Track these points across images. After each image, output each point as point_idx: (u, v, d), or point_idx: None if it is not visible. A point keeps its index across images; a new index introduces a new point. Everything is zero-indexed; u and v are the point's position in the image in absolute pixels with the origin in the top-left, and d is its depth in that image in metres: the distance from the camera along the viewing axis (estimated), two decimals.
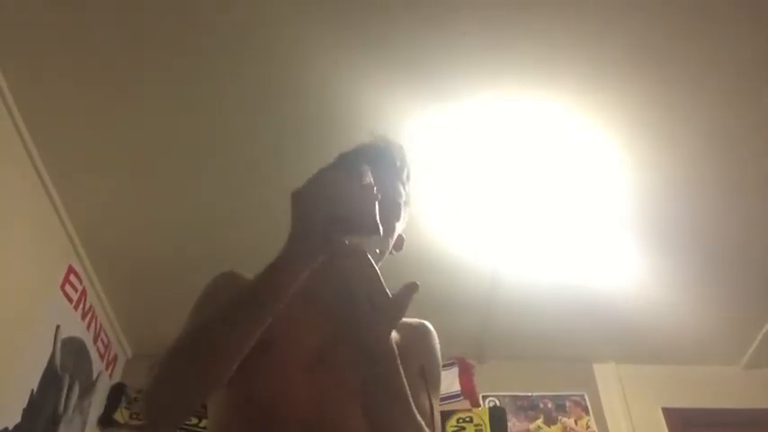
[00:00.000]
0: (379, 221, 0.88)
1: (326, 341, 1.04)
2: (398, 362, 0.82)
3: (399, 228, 1.24)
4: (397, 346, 1.13)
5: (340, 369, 1.01)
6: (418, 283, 0.82)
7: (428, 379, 1.09)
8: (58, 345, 2.74)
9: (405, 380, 0.83)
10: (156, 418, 0.94)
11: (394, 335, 1.17)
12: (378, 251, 0.92)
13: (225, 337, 0.90)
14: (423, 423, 0.87)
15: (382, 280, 0.81)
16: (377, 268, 0.82)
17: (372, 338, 0.79)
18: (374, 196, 0.89)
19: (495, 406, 3.45)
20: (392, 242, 1.22)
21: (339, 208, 0.89)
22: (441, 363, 1.25)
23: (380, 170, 1.18)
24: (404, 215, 1.26)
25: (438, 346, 1.25)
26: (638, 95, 2.33)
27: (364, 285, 0.79)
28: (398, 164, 1.26)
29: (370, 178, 0.92)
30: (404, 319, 1.23)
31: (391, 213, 1.20)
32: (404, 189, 1.25)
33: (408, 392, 0.84)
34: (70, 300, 2.84)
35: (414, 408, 0.85)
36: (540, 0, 2.04)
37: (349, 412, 0.86)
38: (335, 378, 1.00)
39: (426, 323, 1.27)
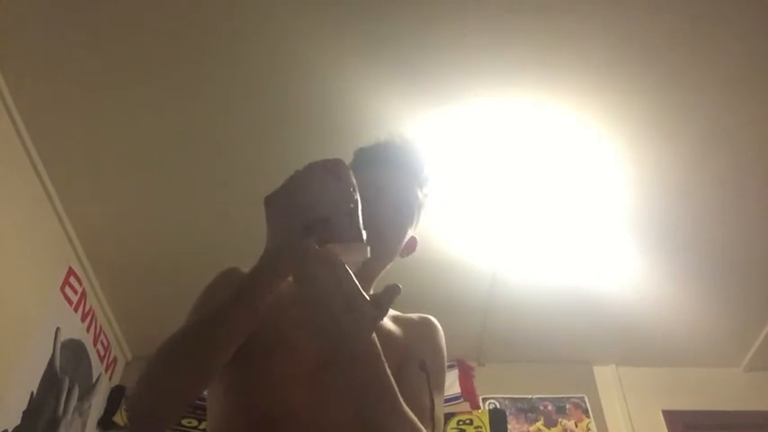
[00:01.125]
0: (361, 226, 0.84)
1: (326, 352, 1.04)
2: (382, 361, 0.81)
3: (411, 231, 1.22)
4: (399, 341, 1.13)
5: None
6: (401, 285, 0.80)
7: (429, 373, 1.08)
8: (58, 347, 2.74)
9: (391, 378, 0.82)
10: (139, 423, 0.96)
11: (396, 330, 1.16)
12: (364, 258, 0.85)
13: (198, 353, 0.90)
14: (414, 419, 0.86)
15: (358, 284, 0.79)
16: (352, 275, 0.79)
17: (351, 341, 0.79)
18: (353, 196, 0.84)
19: (495, 408, 3.45)
20: (401, 246, 1.20)
21: (313, 212, 0.82)
22: (444, 357, 1.22)
23: (393, 170, 1.20)
24: (417, 218, 1.23)
25: (442, 341, 1.22)
26: (638, 97, 2.33)
27: (341, 291, 0.77)
28: (414, 164, 1.24)
29: (347, 174, 0.86)
30: (407, 315, 1.24)
31: (402, 216, 1.18)
32: (420, 190, 1.23)
33: (395, 390, 0.83)
34: (70, 302, 2.84)
35: (402, 405, 0.83)
36: (541, 2, 2.05)
37: (350, 417, 0.86)
38: (329, 390, 0.98)
39: (430, 318, 1.25)
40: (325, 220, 0.82)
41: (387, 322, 1.17)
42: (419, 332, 1.20)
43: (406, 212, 1.19)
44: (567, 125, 2.42)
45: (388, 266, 1.21)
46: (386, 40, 2.16)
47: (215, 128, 2.45)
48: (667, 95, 2.32)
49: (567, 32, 2.12)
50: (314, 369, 0.99)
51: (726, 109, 2.37)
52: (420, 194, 1.23)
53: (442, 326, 1.25)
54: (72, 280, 2.85)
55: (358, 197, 0.85)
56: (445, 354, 1.23)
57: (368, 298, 0.79)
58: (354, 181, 0.86)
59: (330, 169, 0.85)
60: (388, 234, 1.16)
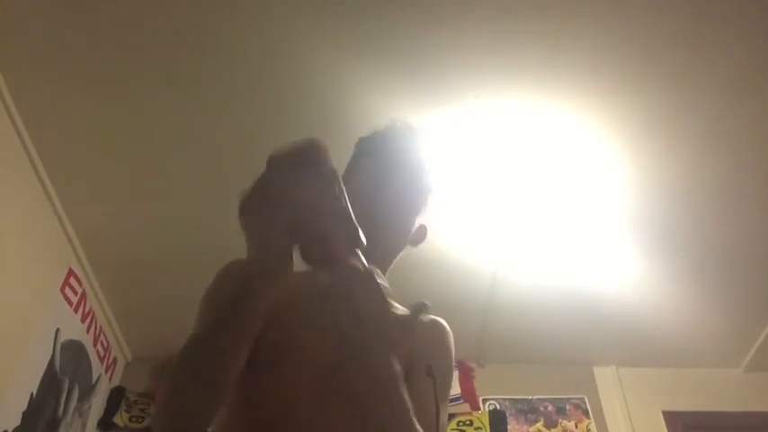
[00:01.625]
0: (358, 230, 0.76)
1: (338, 354, 0.96)
2: (401, 384, 0.78)
3: (419, 219, 1.20)
4: (407, 344, 1.11)
5: (349, 385, 0.94)
6: (428, 303, 0.77)
7: (435, 379, 1.05)
8: (58, 348, 2.74)
9: (406, 398, 0.79)
10: None
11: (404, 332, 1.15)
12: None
13: (206, 366, 0.86)
14: (418, 428, 0.83)
15: (394, 307, 0.75)
16: (387, 297, 0.75)
17: (379, 366, 0.76)
18: (333, 186, 0.75)
19: (495, 409, 3.45)
20: (409, 235, 1.18)
21: (293, 213, 0.73)
22: (453, 363, 1.19)
23: (394, 158, 1.18)
24: (424, 205, 1.21)
25: (451, 345, 1.18)
26: (638, 98, 2.33)
27: (374, 316, 0.74)
28: (416, 150, 1.22)
29: (322, 159, 0.74)
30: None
31: (405, 205, 1.16)
32: (424, 176, 1.21)
33: (409, 406, 0.80)
34: (70, 303, 2.84)
35: (413, 419, 0.81)
36: (541, 3, 2.05)
37: (349, 417, 0.85)
38: (344, 393, 0.94)
39: (439, 321, 1.21)
40: (310, 223, 0.73)
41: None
42: (429, 335, 1.15)
43: (409, 201, 1.17)
44: (566, 126, 2.42)
45: (397, 257, 1.19)
46: (386, 41, 2.16)
47: (215, 128, 2.45)
48: (667, 96, 2.32)
49: (566, 33, 2.13)
50: (322, 370, 0.97)
51: (726, 109, 2.37)
52: (425, 180, 1.21)
53: None
54: (72, 281, 2.85)
55: (340, 183, 0.75)
56: (453, 359, 1.19)
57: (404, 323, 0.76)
58: (332, 164, 0.76)
59: (301, 159, 0.74)
60: (394, 225, 1.14)
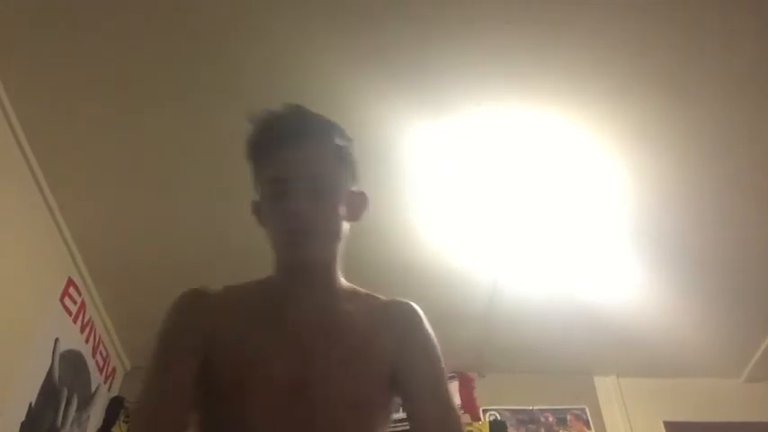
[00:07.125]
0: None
1: (299, 371, 1.00)
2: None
3: (342, 200, 1.12)
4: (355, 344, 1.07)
5: (316, 402, 0.98)
6: None
7: (413, 370, 1.05)
8: (57, 357, 2.73)
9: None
10: None
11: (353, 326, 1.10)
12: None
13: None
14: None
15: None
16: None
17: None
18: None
19: (495, 420, 3.43)
20: (341, 221, 1.12)
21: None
22: (434, 345, 1.12)
23: (290, 151, 1.11)
24: (349, 175, 1.14)
25: (424, 327, 1.13)
26: (638, 108, 2.33)
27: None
28: (309, 127, 1.16)
29: None
30: (369, 300, 1.16)
31: (324, 194, 1.08)
32: (334, 147, 1.14)
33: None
34: (69, 312, 2.84)
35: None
36: (539, 12, 2.05)
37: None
38: (310, 412, 0.97)
39: (402, 304, 1.16)
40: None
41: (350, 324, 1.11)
42: (382, 328, 1.11)
43: (327, 187, 1.09)
44: (567, 135, 2.42)
45: (340, 243, 1.14)
46: (388, 52, 2.16)
47: (215, 139, 2.44)
48: (667, 105, 2.33)
49: (566, 43, 2.13)
50: (287, 396, 0.98)
51: (726, 119, 2.38)
52: (337, 151, 1.14)
53: (442, 337, 1.16)
54: (71, 290, 2.84)
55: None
56: (432, 342, 1.13)
57: None
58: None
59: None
60: (321, 224, 1.08)
